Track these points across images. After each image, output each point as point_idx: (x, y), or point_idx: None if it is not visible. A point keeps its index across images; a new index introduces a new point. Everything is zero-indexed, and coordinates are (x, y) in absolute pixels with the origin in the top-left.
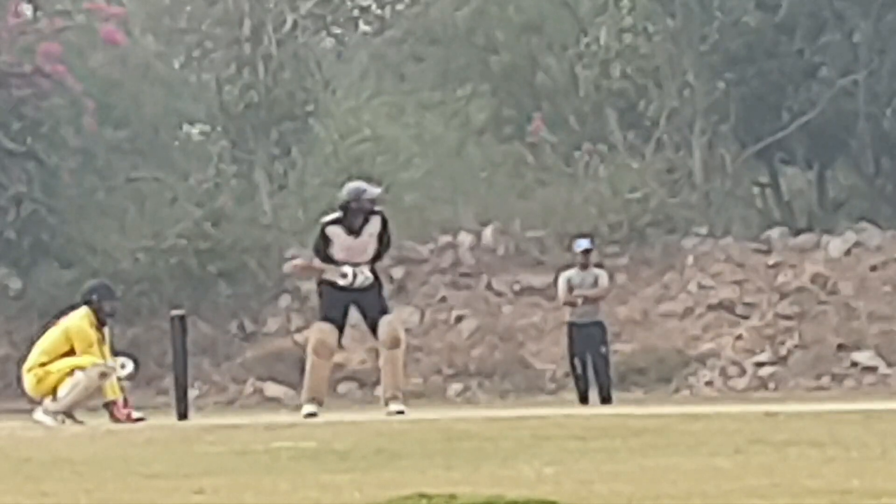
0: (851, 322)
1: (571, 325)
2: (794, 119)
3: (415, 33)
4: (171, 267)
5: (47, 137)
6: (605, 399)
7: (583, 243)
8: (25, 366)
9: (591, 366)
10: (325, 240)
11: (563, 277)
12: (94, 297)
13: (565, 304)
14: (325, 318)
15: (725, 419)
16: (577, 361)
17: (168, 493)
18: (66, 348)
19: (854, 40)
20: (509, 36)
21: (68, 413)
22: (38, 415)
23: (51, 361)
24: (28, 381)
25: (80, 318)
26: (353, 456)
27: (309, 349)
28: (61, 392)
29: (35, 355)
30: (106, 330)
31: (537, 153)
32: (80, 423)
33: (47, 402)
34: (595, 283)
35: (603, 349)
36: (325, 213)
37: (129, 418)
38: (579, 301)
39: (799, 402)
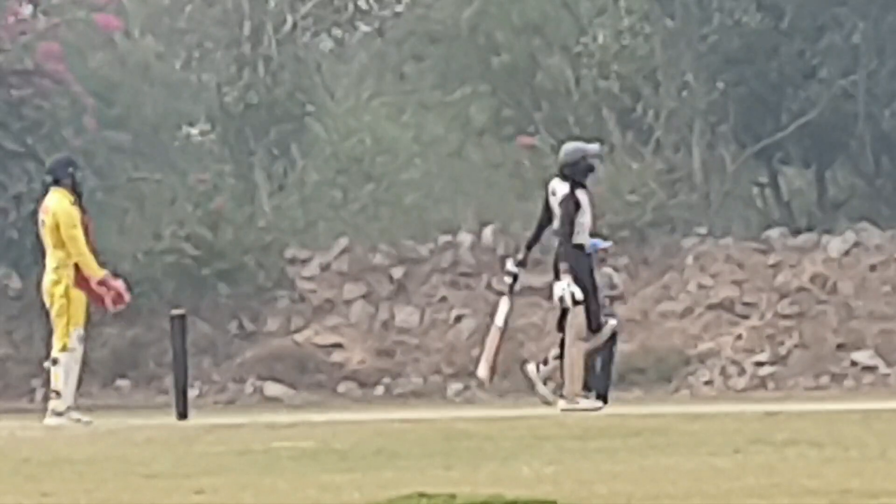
0: (851, 322)
1: None
2: (793, 119)
3: (415, 33)
4: (171, 267)
5: (48, 137)
6: (603, 399)
7: (600, 242)
8: (48, 277)
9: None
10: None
11: None
12: (71, 169)
13: None
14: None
15: (725, 419)
16: (594, 360)
17: (168, 493)
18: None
19: (853, 41)
20: (509, 36)
21: (75, 406)
22: (50, 420)
23: (60, 266)
24: (48, 285)
25: (67, 204)
26: (352, 456)
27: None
28: (58, 385)
29: (51, 262)
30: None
31: (537, 154)
32: (88, 422)
33: (54, 402)
34: (611, 281)
35: (614, 347)
36: (325, 213)
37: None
38: (607, 302)
39: (798, 402)
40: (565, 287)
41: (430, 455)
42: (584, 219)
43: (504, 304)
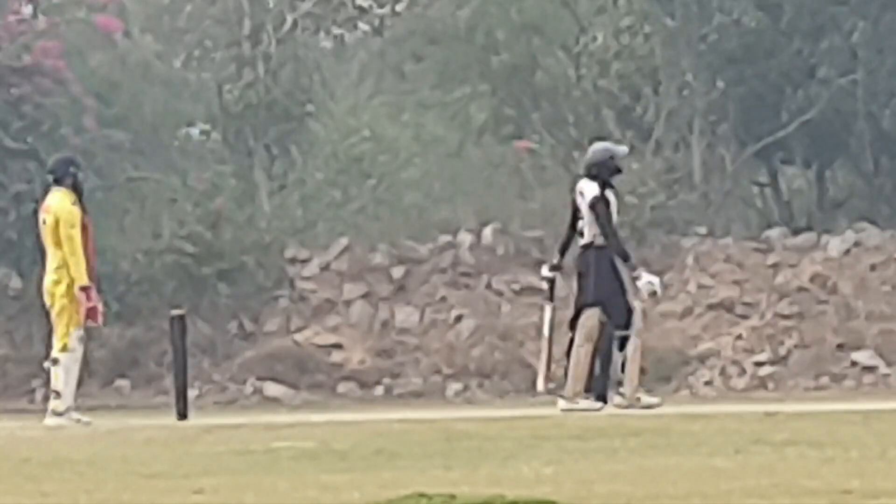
0: (851, 322)
1: None
2: (793, 119)
3: (414, 33)
4: (171, 267)
5: (48, 136)
6: (602, 399)
7: None
8: (49, 277)
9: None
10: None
11: None
12: (73, 169)
13: None
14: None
15: (725, 419)
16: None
17: (168, 493)
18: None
19: (853, 40)
20: (509, 36)
21: (75, 406)
22: (50, 420)
23: (61, 266)
24: (49, 285)
25: (68, 204)
26: (352, 456)
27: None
28: (59, 385)
29: (52, 262)
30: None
31: (537, 153)
32: (88, 423)
33: (54, 403)
34: None
35: (611, 348)
36: (324, 213)
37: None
38: None
39: (798, 402)
40: (652, 281)
41: (430, 455)
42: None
43: (547, 312)
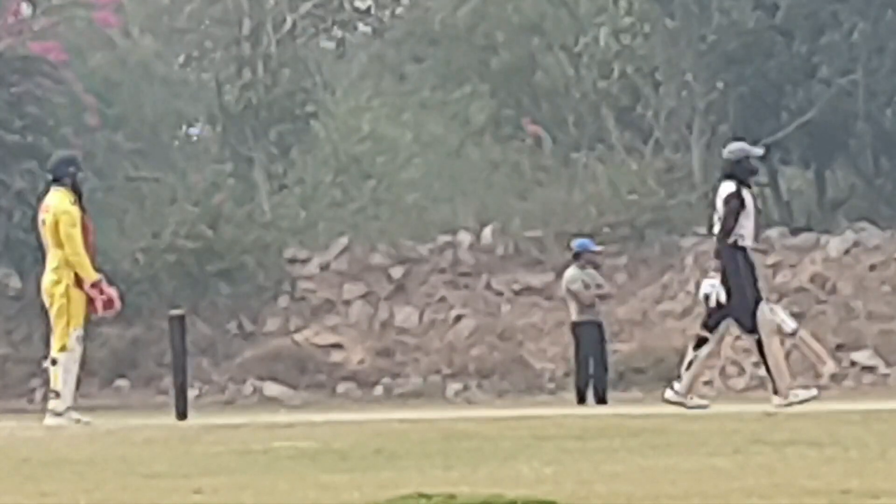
0: (850, 322)
1: (580, 325)
2: (792, 119)
3: (414, 34)
4: (171, 267)
5: (49, 135)
6: (602, 399)
7: (591, 244)
8: (48, 276)
9: (593, 365)
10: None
11: (576, 277)
12: (72, 169)
13: (589, 304)
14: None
15: (724, 419)
16: (586, 361)
17: (167, 493)
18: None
19: (852, 40)
20: (509, 36)
21: (74, 406)
22: (50, 420)
23: (61, 266)
24: (48, 285)
25: (67, 203)
26: (352, 456)
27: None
28: (58, 386)
29: (51, 262)
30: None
31: (536, 153)
32: (87, 422)
33: (53, 403)
34: (595, 282)
35: (605, 348)
36: (324, 212)
37: (107, 304)
38: (597, 300)
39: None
40: (714, 285)
41: (429, 455)
42: (748, 220)
43: (779, 310)
